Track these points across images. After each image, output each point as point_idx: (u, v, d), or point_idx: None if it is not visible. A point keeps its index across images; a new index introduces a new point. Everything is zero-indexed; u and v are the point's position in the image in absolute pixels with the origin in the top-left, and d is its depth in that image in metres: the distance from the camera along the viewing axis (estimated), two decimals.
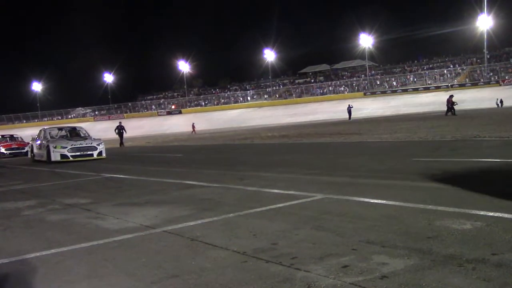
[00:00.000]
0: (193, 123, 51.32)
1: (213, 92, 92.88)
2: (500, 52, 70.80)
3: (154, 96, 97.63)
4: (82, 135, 17.40)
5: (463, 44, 73.42)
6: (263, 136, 23.49)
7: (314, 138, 18.28)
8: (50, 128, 18.87)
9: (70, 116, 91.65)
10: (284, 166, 9.25)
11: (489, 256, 2.89)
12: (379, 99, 67.84)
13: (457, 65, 73.11)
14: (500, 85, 61.53)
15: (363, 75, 77.98)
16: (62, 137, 17.16)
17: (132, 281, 2.95)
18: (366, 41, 74.65)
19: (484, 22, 62.73)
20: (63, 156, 15.11)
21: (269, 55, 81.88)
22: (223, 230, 4.10)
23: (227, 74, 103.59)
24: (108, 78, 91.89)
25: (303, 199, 5.32)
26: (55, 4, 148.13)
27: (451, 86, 65.28)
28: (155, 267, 3.19)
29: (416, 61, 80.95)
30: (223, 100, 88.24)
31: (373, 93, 72.22)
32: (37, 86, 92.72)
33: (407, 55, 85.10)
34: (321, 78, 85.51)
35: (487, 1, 61.83)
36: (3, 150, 23.62)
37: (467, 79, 67.83)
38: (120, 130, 27.90)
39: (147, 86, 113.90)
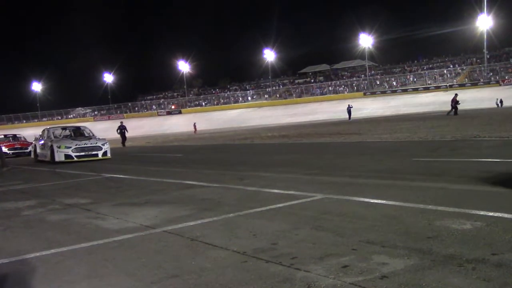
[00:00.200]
0: (194, 123, 51.33)
1: (213, 92, 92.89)
2: (500, 52, 70.82)
3: (154, 96, 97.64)
4: (87, 134, 17.13)
5: (463, 44, 73.58)
6: (263, 136, 23.49)
7: (314, 138, 18.28)
8: (54, 127, 18.47)
9: (70, 116, 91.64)
10: (284, 166, 9.25)
11: (489, 256, 2.89)
12: (379, 99, 67.84)
13: (457, 65, 73.12)
14: (500, 85, 61.55)
15: (363, 75, 77.98)
16: (66, 136, 16.87)
17: (132, 281, 2.95)
18: (366, 41, 74.67)
19: (484, 22, 62.75)
20: (67, 156, 14.86)
21: (269, 55, 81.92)
22: (223, 230, 4.10)
23: (227, 74, 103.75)
24: (108, 78, 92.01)
25: (303, 199, 5.32)
26: (55, 4, 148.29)
27: (450, 86, 65.33)
28: (155, 267, 3.19)
29: (416, 61, 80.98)
30: (223, 100, 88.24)
31: (373, 93, 72.23)
32: (37, 86, 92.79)
33: (407, 55, 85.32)
34: (321, 78, 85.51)
35: (487, 1, 61.91)
36: (5, 150, 23.04)
37: (466, 79, 67.85)
38: (122, 130, 27.87)
39: (147, 86, 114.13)
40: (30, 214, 5.77)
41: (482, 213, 3.98)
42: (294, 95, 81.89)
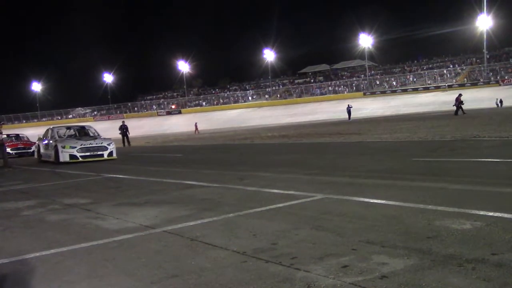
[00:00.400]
0: (195, 123, 51.37)
1: (213, 92, 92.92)
2: (499, 52, 70.85)
3: (154, 96, 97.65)
4: (91, 134, 16.74)
5: (462, 44, 73.57)
6: (263, 136, 23.49)
7: (314, 138, 18.28)
8: (58, 127, 17.89)
9: (69, 116, 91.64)
10: (284, 166, 9.25)
11: (489, 256, 2.89)
12: (379, 99, 67.84)
13: (456, 65, 73.15)
14: (500, 85, 61.57)
15: (362, 75, 77.99)
16: (70, 136, 16.52)
17: (132, 281, 2.95)
18: (365, 41, 74.67)
19: (484, 22, 62.77)
20: (72, 156, 14.42)
21: (269, 55, 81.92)
22: (223, 230, 4.10)
23: (227, 74, 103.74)
24: (108, 78, 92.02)
25: (303, 199, 5.32)
26: (55, 4, 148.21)
27: (449, 86, 65.40)
28: (155, 267, 3.19)
29: (415, 61, 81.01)
30: (222, 100, 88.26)
31: (373, 93, 72.24)
32: (36, 86, 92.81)
33: (407, 55, 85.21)
34: (321, 78, 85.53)
35: (486, 1, 61.92)
36: (8, 150, 22.14)
37: (465, 79, 67.88)
38: (123, 130, 27.83)
39: (147, 86, 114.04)
40: (30, 214, 5.77)
41: (482, 213, 3.98)
42: (294, 95, 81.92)
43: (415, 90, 68.64)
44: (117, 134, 28.23)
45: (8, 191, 8.52)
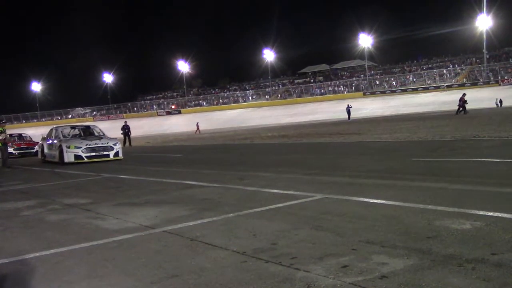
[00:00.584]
0: (197, 123, 51.38)
1: (213, 92, 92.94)
2: (499, 52, 70.88)
3: (154, 96, 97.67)
4: (97, 134, 16.32)
5: (462, 44, 73.60)
6: (262, 136, 23.49)
7: (314, 138, 18.28)
8: (62, 126, 17.39)
9: (69, 116, 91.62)
10: (284, 166, 9.25)
11: (488, 256, 2.89)
12: (379, 99, 67.86)
13: (456, 65, 73.17)
14: (500, 85, 61.61)
15: (362, 75, 78.01)
16: (75, 136, 16.11)
17: (132, 281, 2.95)
18: (365, 41, 74.67)
19: (484, 22, 62.78)
20: (77, 157, 14.00)
21: (269, 55, 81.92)
22: (223, 230, 4.10)
23: (227, 74, 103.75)
24: (108, 78, 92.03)
25: (302, 199, 5.32)
26: (55, 4, 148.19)
27: (448, 86, 65.46)
28: (155, 267, 3.19)
29: (415, 61, 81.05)
30: (222, 100, 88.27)
31: (373, 93, 72.26)
32: (36, 86, 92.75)
33: (407, 55, 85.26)
34: (321, 78, 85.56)
35: (486, 1, 61.93)
36: (11, 150, 21.32)
37: (465, 79, 67.90)
38: (126, 129, 27.80)
39: (146, 86, 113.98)
40: (29, 214, 5.77)
41: (481, 213, 3.98)
42: (293, 95, 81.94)
43: (415, 90, 68.67)
44: (118, 134, 28.21)
45: (8, 191, 8.51)
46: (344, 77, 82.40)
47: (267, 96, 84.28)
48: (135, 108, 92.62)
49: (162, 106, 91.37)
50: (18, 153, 22.70)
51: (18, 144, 23.43)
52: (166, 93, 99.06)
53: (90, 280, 3.03)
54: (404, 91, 69.73)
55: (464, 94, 31.84)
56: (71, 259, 3.58)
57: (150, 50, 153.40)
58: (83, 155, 14.07)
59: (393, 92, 70.69)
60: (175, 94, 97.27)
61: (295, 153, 13.15)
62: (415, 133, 15.67)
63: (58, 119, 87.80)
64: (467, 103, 30.97)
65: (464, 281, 2.52)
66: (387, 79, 76.09)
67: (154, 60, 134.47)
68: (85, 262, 3.46)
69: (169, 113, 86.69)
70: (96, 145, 14.44)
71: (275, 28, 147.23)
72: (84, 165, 13.59)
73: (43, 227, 4.94)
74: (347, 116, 45.42)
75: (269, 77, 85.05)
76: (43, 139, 17.10)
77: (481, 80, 65.10)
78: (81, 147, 14.15)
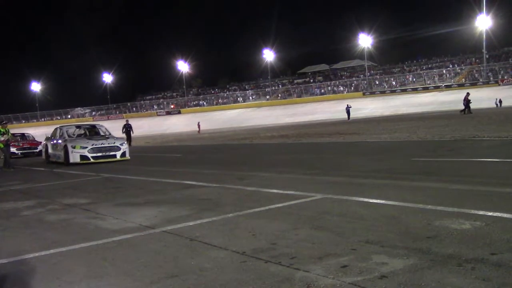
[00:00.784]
0: (198, 122, 51.37)
1: (213, 92, 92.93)
2: (499, 52, 70.89)
3: (153, 96, 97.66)
4: (102, 133, 15.88)
5: (462, 44, 73.62)
6: (262, 136, 23.49)
7: (314, 138, 18.28)
8: (67, 126, 16.88)
9: (69, 116, 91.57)
10: (284, 166, 9.25)
11: (488, 256, 2.89)
12: (378, 99, 67.87)
13: (456, 65, 73.20)
14: (499, 85, 61.64)
15: (362, 75, 78.03)
16: (80, 135, 15.73)
17: (131, 281, 2.95)
18: (365, 41, 74.68)
19: (483, 22, 62.82)
20: (83, 157, 13.57)
21: (268, 55, 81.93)
22: (222, 230, 4.10)
23: (227, 74, 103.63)
24: (107, 78, 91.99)
25: (302, 199, 5.32)
26: (55, 4, 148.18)
27: (447, 86, 65.50)
28: (155, 267, 3.19)
29: (415, 61, 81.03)
30: (222, 100, 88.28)
31: (372, 93, 72.27)
32: (36, 86, 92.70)
33: (406, 55, 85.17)
34: (320, 78, 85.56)
35: (486, 1, 61.97)
36: (14, 150, 20.66)
37: (463, 80, 67.93)
38: (127, 129, 27.75)
39: (146, 86, 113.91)
40: (29, 214, 5.76)
41: (481, 213, 3.98)
42: (293, 95, 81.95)
43: (415, 90, 68.70)
44: (118, 134, 28.12)
45: (7, 191, 8.51)
46: (343, 77, 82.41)
47: (267, 96, 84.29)
48: (134, 108, 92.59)
49: (161, 106, 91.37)
50: (21, 153, 22.30)
51: (21, 144, 22.95)
52: (165, 93, 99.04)
53: (90, 280, 3.03)
54: (404, 91, 69.74)
55: (468, 94, 31.96)
56: (71, 259, 3.58)
57: (150, 50, 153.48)
58: (89, 155, 13.67)
59: (393, 92, 70.70)
60: (174, 94, 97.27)
61: (294, 153, 13.15)
62: (415, 133, 15.67)
63: (57, 119, 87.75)
64: (471, 102, 31.12)
65: (463, 281, 2.52)
66: (387, 79, 76.11)
67: (154, 60, 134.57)
68: (85, 262, 3.45)
69: (168, 113, 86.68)
70: (102, 145, 14.02)
71: (274, 28, 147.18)
72: (84, 165, 13.58)
73: (42, 227, 4.94)
74: (346, 116, 45.43)
75: (269, 77, 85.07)
76: (47, 139, 16.63)
77: (481, 80, 65.14)
78: (87, 147, 13.75)
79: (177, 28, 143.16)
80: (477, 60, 70.25)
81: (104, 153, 13.91)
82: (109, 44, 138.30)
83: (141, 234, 4.19)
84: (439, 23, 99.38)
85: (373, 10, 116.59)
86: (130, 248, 3.77)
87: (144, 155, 18.08)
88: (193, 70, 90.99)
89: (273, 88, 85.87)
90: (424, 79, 71.98)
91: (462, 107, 31.18)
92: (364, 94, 72.84)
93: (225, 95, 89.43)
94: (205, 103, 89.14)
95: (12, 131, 16.82)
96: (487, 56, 65.72)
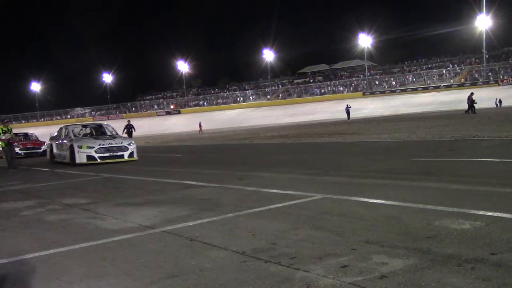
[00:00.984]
0: (199, 122, 51.41)
1: (212, 92, 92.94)
2: (499, 52, 70.93)
3: (153, 96, 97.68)
4: (109, 133, 15.49)
5: (462, 44, 73.66)
6: (262, 136, 23.49)
7: (313, 138, 18.28)
8: (73, 125, 16.55)
9: (69, 116, 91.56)
10: (283, 166, 9.25)
11: (488, 256, 2.89)
12: (378, 99, 67.88)
13: (456, 65, 73.23)
14: (499, 84, 61.66)
15: (362, 75, 78.05)
16: (86, 135, 15.41)
17: (131, 281, 2.95)
18: (365, 41, 74.71)
19: (483, 22, 62.84)
20: (89, 157, 13.19)
21: (268, 55, 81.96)
22: (222, 230, 4.10)
23: (227, 74, 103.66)
24: (107, 78, 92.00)
25: (302, 199, 5.32)
26: (55, 4, 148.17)
27: (446, 86, 65.51)
28: (154, 267, 3.19)
29: (415, 61, 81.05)
30: (222, 100, 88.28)
31: (372, 93, 72.29)
32: (36, 86, 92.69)
33: (406, 55, 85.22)
34: (320, 78, 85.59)
35: (486, 1, 61.99)
36: (17, 150, 19.86)
37: (463, 79, 67.93)
38: (129, 129, 27.71)
39: (146, 86, 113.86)
40: (29, 214, 5.76)
41: (481, 212, 3.98)
42: (293, 95, 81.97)
43: (415, 90, 68.73)
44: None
45: (7, 191, 8.51)
46: (343, 77, 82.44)
47: (267, 96, 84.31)
48: (134, 108, 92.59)
49: (161, 106, 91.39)
50: (24, 153, 21.88)
51: (23, 144, 22.54)
52: (165, 93, 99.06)
53: (90, 280, 3.03)
54: (404, 91, 69.77)
55: (472, 93, 32.04)
56: (71, 259, 3.58)
57: (150, 50, 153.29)
58: (96, 155, 13.26)
59: (393, 92, 70.72)
60: (174, 94, 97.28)
61: (294, 153, 13.14)
62: (415, 133, 15.67)
63: (57, 119, 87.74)
64: (476, 103, 31.15)
65: (463, 281, 2.52)
66: (387, 79, 76.13)
67: (154, 60, 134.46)
68: (85, 262, 3.45)
69: (168, 113, 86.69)
70: (110, 145, 13.61)
71: (274, 28, 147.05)
72: (83, 165, 13.56)
73: (42, 227, 4.94)
74: (346, 116, 45.44)
75: (269, 77, 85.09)
76: (52, 138, 16.20)
77: (481, 80, 65.16)
78: (94, 147, 13.34)
79: (177, 28, 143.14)
80: (477, 60, 70.27)
81: (111, 153, 13.53)
82: (109, 44, 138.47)
83: (141, 234, 4.19)
84: (439, 23, 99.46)
85: (373, 10, 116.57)
86: (130, 248, 3.77)
87: (144, 155, 18.04)
88: (193, 70, 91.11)
89: (273, 88, 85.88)
90: (424, 79, 71.99)
91: (463, 107, 31.21)
92: (364, 94, 72.85)
93: (225, 95, 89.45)
94: (205, 103, 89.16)
95: (16, 130, 16.43)
96: (487, 56, 65.74)
